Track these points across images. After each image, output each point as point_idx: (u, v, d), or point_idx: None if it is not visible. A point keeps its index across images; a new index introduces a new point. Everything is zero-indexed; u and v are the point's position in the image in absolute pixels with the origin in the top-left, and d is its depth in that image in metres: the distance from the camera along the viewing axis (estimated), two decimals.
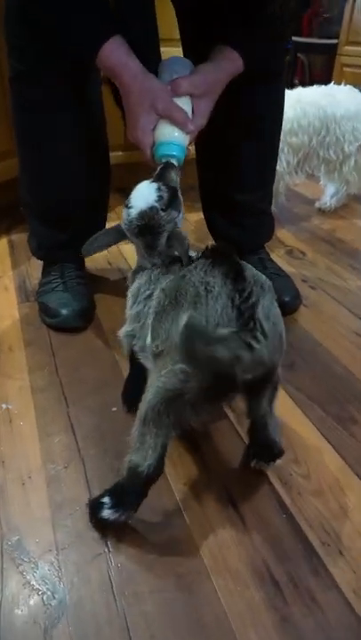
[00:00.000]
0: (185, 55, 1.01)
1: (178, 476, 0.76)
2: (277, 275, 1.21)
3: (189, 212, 1.50)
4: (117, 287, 1.28)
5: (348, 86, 1.64)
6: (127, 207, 0.76)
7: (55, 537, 0.67)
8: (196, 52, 0.91)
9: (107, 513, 0.65)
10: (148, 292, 0.75)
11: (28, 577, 0.62)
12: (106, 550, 0.66)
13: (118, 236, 0.82)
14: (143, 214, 0.74)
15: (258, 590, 0.61)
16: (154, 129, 0.85)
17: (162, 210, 0.74)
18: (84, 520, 0.69)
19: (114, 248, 1.47)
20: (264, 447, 0.74)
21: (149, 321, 0.71)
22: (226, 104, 0.90)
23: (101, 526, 0.67)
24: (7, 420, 0.86)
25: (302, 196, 1.94)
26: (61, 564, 0.64)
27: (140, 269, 0.80)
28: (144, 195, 0.75)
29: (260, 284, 0.63)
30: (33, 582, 0.62)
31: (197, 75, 0.85)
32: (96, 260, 1.34)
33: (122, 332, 0.82)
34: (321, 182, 1.81)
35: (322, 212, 1.80)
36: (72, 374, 0.97)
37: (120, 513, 0.65)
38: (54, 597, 0.60)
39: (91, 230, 0.86)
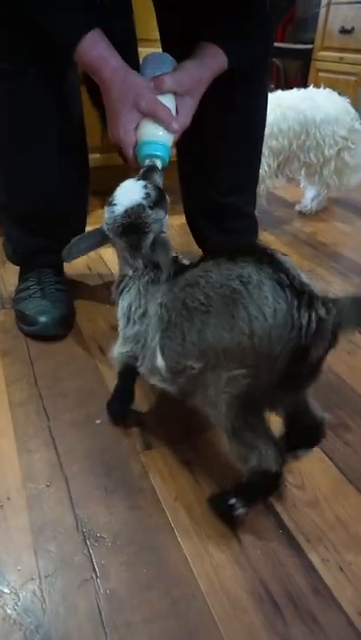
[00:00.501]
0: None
1: (168, 492, 0.72)
2: None
3: (172, 216, 1.46)
4: (97, 293, 1.24)
5: (327, 90, 1.64)
6: (111, 205, 0.72)
7: (38, 563, 0.62)
8: (178, 50, 0.88)
9: (240, 512, 0.65)
10: (141, 310, 0.72)
11: (8, 610, 0.57)
12: (93, 576, 0.61)
13: (100, 238, 0.78)
14: (129, 211, 0.70)
15: (257, 613, 0.58)
16: (136, 127, 0.81)
17: (149, 207, 0.71)
18: (69, 543, 0.65)
19: (93, 253, 1.42)
20: (309, 430, 0.70)
21: (155, 341, 0.68)
22: (207, 104, 0.87)
23: (233, 523, 0.68)
24: None
25: (282, 200, 1.94)
26: (45, 594, 0.59)
27: (123, 280, 0.77)
28: (130, 192, 0.71)
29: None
30: (14, 616, 0.57)
31: (181, 72, 0.82)
32: (75, 265, 1.29)
33: (116, 352, 0.78)
34: (301, 185, 1.81)
35: (303, 215, 1.79)
36: (52, 386, 0.92)
37: (249, 508, 0.66)
38: (38, 632, 0.56)
39: (70, 234, 0.82)
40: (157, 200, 0.72)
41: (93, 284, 1.29)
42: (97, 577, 0.61)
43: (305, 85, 1.75)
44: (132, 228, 0.71)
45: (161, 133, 0.80)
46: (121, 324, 0.77)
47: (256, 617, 0.58)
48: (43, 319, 1.04)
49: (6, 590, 0.59)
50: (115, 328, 1.09)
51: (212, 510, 0.69)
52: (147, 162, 0.78)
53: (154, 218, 0.72)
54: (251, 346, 0.55)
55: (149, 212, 0.71)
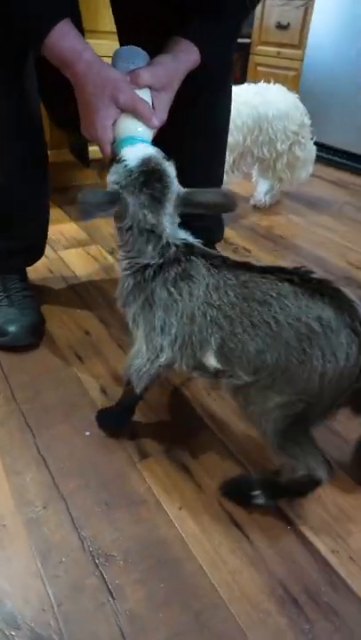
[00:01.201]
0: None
1: (172, 501, 0.71)
2: None
3: None
4: (63, 297, 1.19)
5: (277, 85, 1.67)
6: (120, 162, 0.66)
7: (48, 592, 0.59)
8: (135, 43, 0.84)
9: (260, 502, 0.68)
10: (180, 314, 0.65)
11: None
12: (110, 598, 0.59)
13: (111, 198, 0.66)
14: (146, 160, 0.66)
15: (281, 615, 0.58)
16: (113, 124, 0.78)
17: (165, 159, 0.67)
18: (78, 566, 0.61)
19: (53, 254, 1.38)
20: None
21: (208, 340, 0.63)
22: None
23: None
24: None
25: (236, 194, 1.95)
26: (62, 624, 0.56)
27: (134, 272, 0.68)
28: (138, 149, 0.67)
29: None
30: None
31: (157, 66, 0.79)
32: (36, 269, 1.23)
33: (144, 366, 0.70)
34: (253, 180, 1.83)
35: (257, 208, 1.82)
36: (32, 399, 0.87)
37: (272, 502, 0.69)
38: None
39: (33, 235, 0.75)
40: (168, 158, 0.69)
41: (58, 287, 1.23)
42: (113, 599, 0.58)
43: (245, 79, 1.77)
44: (155, 175, 0.65)
45: (140, 129, 0.77)
46: (144, 332, 0.69)
47: (280, 619, 0.58)
48: (12, 329, 0.98)
49: (17, 627, 0.55)
50: (88, 333, 1.06)
51: (228, 494, 0.71)
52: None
53: (172, 171, 0.67)
54: (319, 383, 0.58)
55: (167, 162, 0.67)
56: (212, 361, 0.64)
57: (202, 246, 0.69)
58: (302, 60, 2.55)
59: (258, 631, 0.56)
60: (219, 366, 0.64)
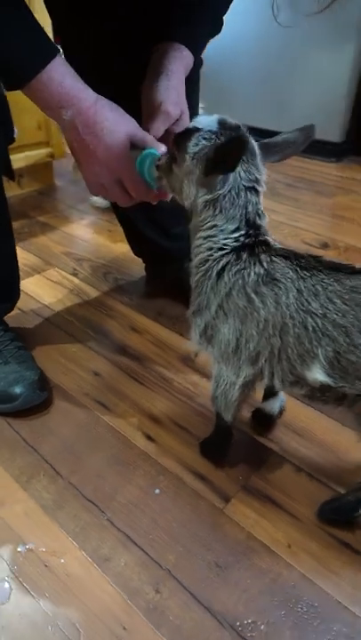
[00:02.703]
0: None
1: (277, 540, 0.68)
2: None
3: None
4: (47, 335, 1.07)
5: None
6: (196, 131, 0.59)
7: None
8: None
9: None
10: (270, 322, 0.58)
11: None
12: None
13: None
14: (221, 120, 0.59)
15: None
16: None
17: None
18: None
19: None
20: None
21: (313, 353, 0.57)
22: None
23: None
24: (40, 564, 0.64)
25: None
26: None
27: (211, 264, 0.61)
28: (206, 116, 0.61)
29: None
30: None
31: (172, 91, 0.72)
32: None
33: (224, 390, 0.66)
34: None
35: None
36: (77, 467, 0.77)
37: None
38: None
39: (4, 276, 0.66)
40: None
41: (35, 325, 1.10)
42: None
43: None
44: (239, 130, 0.59)
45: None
46: (219, 350, 0.63)
47: None
48: (19, 390, 0.85)
49: None
50: (98, 374, 0.96)
51: (327, 519, 0.70)
52: (154, 163, 0.67)
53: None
54: None
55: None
56: (318, 375, 0.58)
57: (279, 244, 0.63)
58: None
59: None
60: (328, 381, 0.58)
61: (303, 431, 0.84)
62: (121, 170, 0.67)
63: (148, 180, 0.67)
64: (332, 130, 2.17)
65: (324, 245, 1.49)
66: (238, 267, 0.60)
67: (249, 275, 0.59)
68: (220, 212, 0.60)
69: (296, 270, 0.58)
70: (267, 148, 0.63)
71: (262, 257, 0.60)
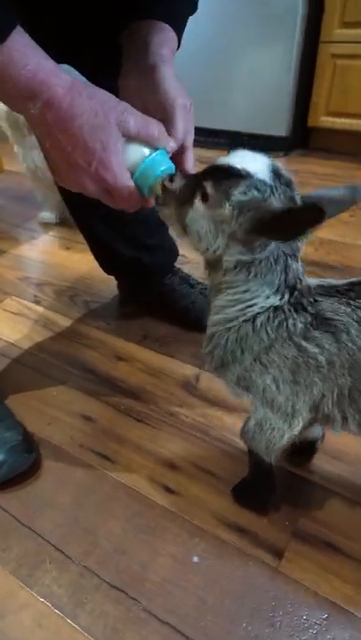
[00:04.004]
0: None
1: (346, 594, 0.56)
2: (205, 291, 1.04)
3: None
4: (19, 378, 0.90)
5: None
6: (245, 177, 0.46)
7: None
8: None
9: None
10: (324, 358, 0.51)
11: None
12: None
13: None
14: (275, 170, 0.47)
15: None
16: None
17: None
18: None
19: None
20: None
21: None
22: None
23: None
24: None
25: None
26: None
27: (242, 322, 0.52)
28: (245, 157, 0.48)
29: None
30: None
31: (177, 80, 0.58)
32: None
33: (270, 436, 0.57)
34: None
35: None
36: (89, 543, 0.62)
37: None
38: None
39: None
40: None
41: (3, 368, 0.92)
42: None
43: None
44: (291, 187, 0.48)
45: (147, 151, 0.55)
46: (261, 398, 0.54)
47: None
48: (2, 456, 0.68)
49: None
50: (90, 419, 0.81)
51: None
52: (161, 180, 0.53)
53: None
54: None
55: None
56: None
57: (314, 281, 0.54)
58: None
59: None
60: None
61: (340, 454, 0.74)
62: (108, 179, 0.52)
63: (143, 194, 0.54)
64: (277, 124, 2.13)
65: None
66: (279, 319, 0.51)
67: (294, 325, 0.51)
68: (255, 276, 0.50)
69: (348, 303, 0.51)
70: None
71: (304, 302, 0.51)
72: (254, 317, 0.51)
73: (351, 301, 0.51)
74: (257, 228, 0.46)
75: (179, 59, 0.64)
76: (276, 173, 0.47)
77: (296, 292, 0.51)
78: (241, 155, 0.48)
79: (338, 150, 2.16)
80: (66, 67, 0.56)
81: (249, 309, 0.52)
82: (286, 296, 0.51)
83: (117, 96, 0.53)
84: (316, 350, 0.50)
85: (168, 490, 0.69)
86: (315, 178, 1.93)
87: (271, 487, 0.65)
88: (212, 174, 0.49)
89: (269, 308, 0.51)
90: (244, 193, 0.46)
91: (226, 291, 0.52)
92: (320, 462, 0.73)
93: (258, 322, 0.51)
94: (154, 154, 0.53)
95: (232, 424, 0.78)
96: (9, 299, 1.13)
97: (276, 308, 0.51)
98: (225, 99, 2.21)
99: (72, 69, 0.56)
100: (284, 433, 0.56)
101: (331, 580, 0.58)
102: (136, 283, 1.06)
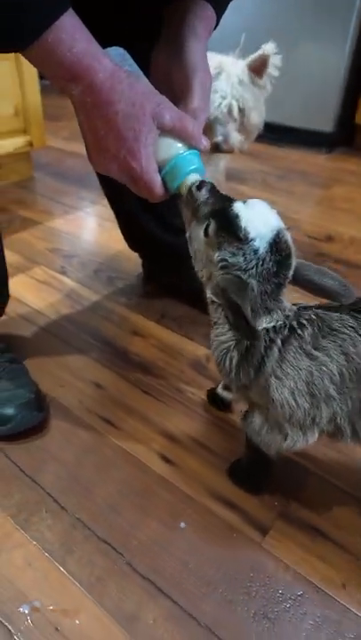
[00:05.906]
0: None
1: (329, 579, 0.58)
2: None
3: None
4: (38, 343, 0.95)
5: None
6: (245, 242, 0.48)
7: None
8: None
9: None
10: (334, 367, 0.52)
11: None
12: None
13: (243, 286, 0.51)
14: (277, 241, 0.49)
15: None
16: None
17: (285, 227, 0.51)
18: None
19: None
20: None
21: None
22: None
23: None
24: (50, 627, 0.52)
25: None
26: None
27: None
28: (266, 215, 0.50)
29: None
30: None
31: (205, 57, 0.60)
32: None
33: (280, 443, 0.58)
34: None
35: None
36: (86, 503, 0.65)
37: None
38: None
39: None
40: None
41: (24, 332, 0.97)
42: None
43: None
44: (287, 262, 0.50)
45: (180, 145, 0.57)
46: (285, 409, 0.55)
47: None
48: (12, 411, 0.72)
49: None
50: (101, 386, 0.85)
51: None
52: (191, 180, 0.54)
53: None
54: None
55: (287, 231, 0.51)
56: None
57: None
58: None
59: None
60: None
61: (341, 446, 0.74)
62: (135, 168, 0.54)
63: (168, 188, 0.56)
64: (323, 120, 2.10)
65: (329, 238, 1.40)
66: (286, 332, 0.53)
67: (301, 336, 0.52)
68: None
69: (354, 316, 0.52)
70: (298, 271, 0.53)
71: (306, 315, 0.53)
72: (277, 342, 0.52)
73: (355, 313, 0.52)
74: (217, 292, 0.51)
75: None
76: (276, 244, 0.49)
77: (290, 314, 0.53)
78: (257, 209, 0.50)
79: None
80: (121, 50, 0.58)
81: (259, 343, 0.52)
82: (281, 319, 0.52)
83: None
84: (327, 359, 0.51)
85: (165, 459, 0.71)
86: (353, 176, 1.90)
87: (267, 471, 0.66)
88: (220, 216, 0.50)
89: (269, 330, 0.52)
90: (233, 254, 0.49)
91: (214, 326, 0.57)
92: (317, 449, 0.74)
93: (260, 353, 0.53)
94: (187, 152, 0.55)
95: (235, 406, 0.80)
96: (37, 267, 1.18)
97: (276, 328, 0.52)
98: (274, 92, 2.19)
99: (125, 54, 0.57)
100: (296, 442, 0.56)
101: (312, 562, 0.60)
102: (157, 262, 1.09)
